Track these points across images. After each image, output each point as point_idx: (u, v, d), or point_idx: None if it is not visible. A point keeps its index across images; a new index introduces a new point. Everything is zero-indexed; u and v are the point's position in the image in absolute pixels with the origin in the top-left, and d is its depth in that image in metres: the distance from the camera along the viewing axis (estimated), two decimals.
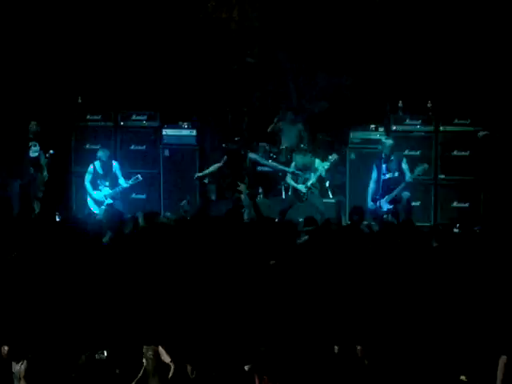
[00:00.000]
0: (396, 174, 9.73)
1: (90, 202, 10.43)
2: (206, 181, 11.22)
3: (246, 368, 4.99)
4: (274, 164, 11.01)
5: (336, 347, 5.29)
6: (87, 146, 11.27)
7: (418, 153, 10.66)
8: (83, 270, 5.73)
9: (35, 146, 10.81)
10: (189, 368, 5.22)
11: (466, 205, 10.59)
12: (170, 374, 5.20)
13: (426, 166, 9.85)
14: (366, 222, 8.38)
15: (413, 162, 9.94)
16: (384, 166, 9.74)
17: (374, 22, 12.28)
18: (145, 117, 11.38)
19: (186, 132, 11.31)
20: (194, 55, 12.44)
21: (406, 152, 10.42)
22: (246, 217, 9.50)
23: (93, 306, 5.51)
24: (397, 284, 5.47)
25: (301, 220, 8.23)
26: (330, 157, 10.29)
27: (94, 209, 10.32)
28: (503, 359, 4.97)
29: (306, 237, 6.77)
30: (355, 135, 11.00)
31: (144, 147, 11.33)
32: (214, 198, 11.45)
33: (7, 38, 11.52)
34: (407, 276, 5.52)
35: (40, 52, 11.74)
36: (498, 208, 10.12)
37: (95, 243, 6.46)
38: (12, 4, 11.68)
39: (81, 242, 6.27)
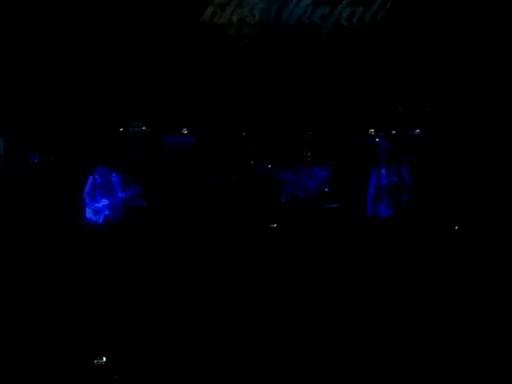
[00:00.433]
0: (395, 179, 9.75)
1: (88, 212, 10.44)
2: None
3: None
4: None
5: None
6: (87, 153, 11.27)
7: (418, 158, 10.68)
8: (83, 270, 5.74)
9: (35, 152, 10.83)
10: None
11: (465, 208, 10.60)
12: None
13: None
14: None
15: (412, 167, 9.96)
16: (383, 170, 9.76)
17: (374, 25, 12.32)
18: (144, 123, 11.40)
19: (186, 138, 11.33)
20: (193, 61, 12.45)
21: (406, 157, 10.43)
22: None
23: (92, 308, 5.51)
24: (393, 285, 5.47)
25: None
26: (328, 164, 10.35)
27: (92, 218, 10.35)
28: None
29: None
30: (354, 140, 11.02)
31: (143, 154, 11.33)
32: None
33: (8, 44, 11.54)
34: (403, 277, 5.52)
35: (40, 57, 11.75)
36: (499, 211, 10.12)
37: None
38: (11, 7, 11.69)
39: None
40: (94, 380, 5.02)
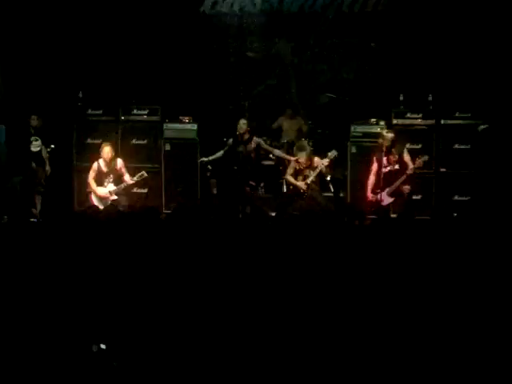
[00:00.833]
0: (397, 167, 9.76)
1: (94, 198, 10.44)
2: (208, 171, 11.31)
3: None
4: (278, 151, 11.07)
5: None
6: (88, 141, 11.30)
7: (419, 146, 10.68)
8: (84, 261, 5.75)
9: (36, 140, 10.85)
10: None
11: (467, 198, 10.62)
12: None
13: (426, 157, 9.87)
14: None
15: (414, 156, 9.96)
16: (385, 158, 9.77)
17: (374, 16, 12.30)
18: (146, 111, 11.40)
19: (187, 126, 11.34)
20: (195, 49, 12.44)
21: (407, 146, 10.42)
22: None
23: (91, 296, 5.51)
24: (394, 278, 5.47)
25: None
26: (329, 153, 10.36)
27: (98, 204, 10.33)
28: None
29: None
30: (356, 129, 11.01)
31: (145, 141, 11.35)
32: (215, 191, 11.49)
33: (9, 33, 11.53)
34: (404, 269, 5.53)
35: (41, 47, 11.74)
36: (498, 201, 10.12)
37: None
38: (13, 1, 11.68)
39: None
40: (92, 367, 5.03)
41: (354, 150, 10.96)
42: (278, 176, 11.53)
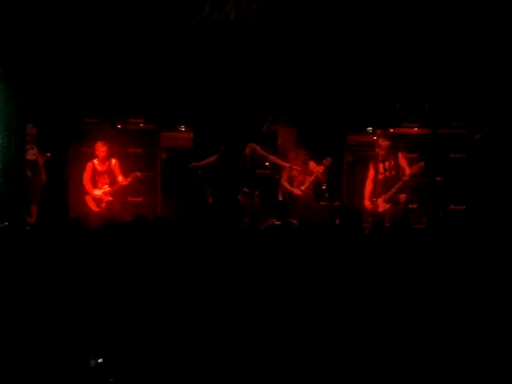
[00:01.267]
0: (393, 173, 9.79)
1: (90, 200, 10.51)
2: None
3: None
4: (273, 157, 11.05)
5: None
6: (84, 149, 11.28)
7: (416, 155, 10.69)
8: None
9: (33, 148, 10.83)
10: None
11: (463, 207, 10.62)
12: None
13: (422, 163, 9.92)
14: None
15: (409, 164, 9.99)
16: (381, 165, 9.80)
17: (372, 24, 12.31)
18: (142, 119, 11.40)
19: (184, 135, 11.34)
20: (191, 57, 12.45)
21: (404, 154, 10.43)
22: None
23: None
24: (390, 285, 5.47)
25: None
26: (324, 160, 10.38)
27: (93, 207, 10.41)
28: None
29: None
30: (352, 137, 11.02)
31: (141, 150, 11.34)
32: (210, 200, 11.47)
33: (6, 41, 11.52)
34: (400, 277, 5.53)
35: (38, 55, 11.74)
36: (495, 210, 10.12)
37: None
38: (12, 5, 11.67)
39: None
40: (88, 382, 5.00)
41: (350, 158, 10.97)
42: (273, 184, 11.53)
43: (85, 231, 6.95)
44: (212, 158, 10.86)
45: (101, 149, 10.46)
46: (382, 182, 9.77)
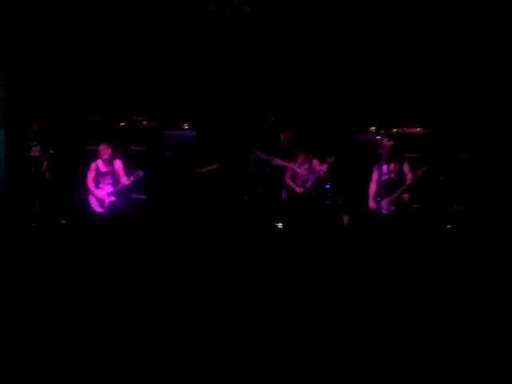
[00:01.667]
0: (397, 176, 9.76)
1: (93, 200, 10.48)
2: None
3: None
4: (277, 160, 11.05)
5: None
6: (88, 147, 11.29)
7: (419, 155, 10.69)
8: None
9: (36, 145, 10.85)
10: None
11: (466, 207, 10.63)
12: None
13: (425, 169, 9.89)
14: None
15: (413, 165, 9.98)
16: (385, 166, 9.78)
17: (374, 24, 12.31)
18: (145, 118, 11.42)
19: (187, 133, 11.36)
20: (195, 57, 12.45)
21: (407, 154, 10.42)
22: None
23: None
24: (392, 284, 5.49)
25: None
26: (328, 159, 10.39)
27: (97, 207, 10.39)
28: None
29: None
30: (356, 137, 11.03)
31: (145, 148, 11.35)
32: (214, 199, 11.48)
33: (10, 38, 11.52)
34: (402, 276, 5.54)
35: (42, 52, 11.74)
36: (500, 210, 10.13)
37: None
38: (15, 5, 11.68)
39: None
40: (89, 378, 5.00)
41: (354, 158, 10.97)
42: (276, 183, 11.53)
43: (89, 229, 6.98)
44: (215, 166, 10.86)
45: (104, 151, 10.43)
46: (385, 183, 9.75)
